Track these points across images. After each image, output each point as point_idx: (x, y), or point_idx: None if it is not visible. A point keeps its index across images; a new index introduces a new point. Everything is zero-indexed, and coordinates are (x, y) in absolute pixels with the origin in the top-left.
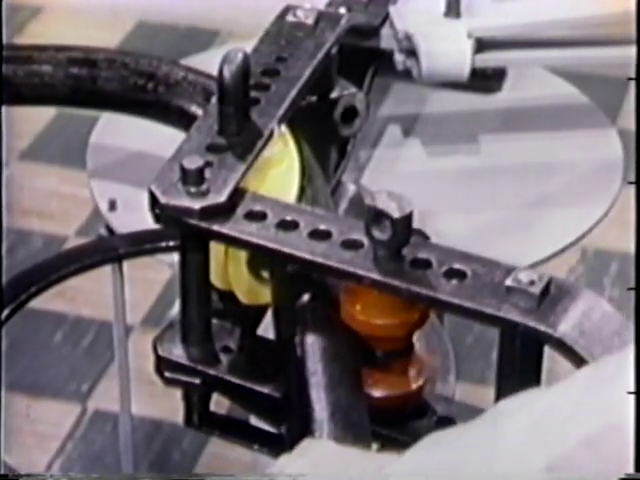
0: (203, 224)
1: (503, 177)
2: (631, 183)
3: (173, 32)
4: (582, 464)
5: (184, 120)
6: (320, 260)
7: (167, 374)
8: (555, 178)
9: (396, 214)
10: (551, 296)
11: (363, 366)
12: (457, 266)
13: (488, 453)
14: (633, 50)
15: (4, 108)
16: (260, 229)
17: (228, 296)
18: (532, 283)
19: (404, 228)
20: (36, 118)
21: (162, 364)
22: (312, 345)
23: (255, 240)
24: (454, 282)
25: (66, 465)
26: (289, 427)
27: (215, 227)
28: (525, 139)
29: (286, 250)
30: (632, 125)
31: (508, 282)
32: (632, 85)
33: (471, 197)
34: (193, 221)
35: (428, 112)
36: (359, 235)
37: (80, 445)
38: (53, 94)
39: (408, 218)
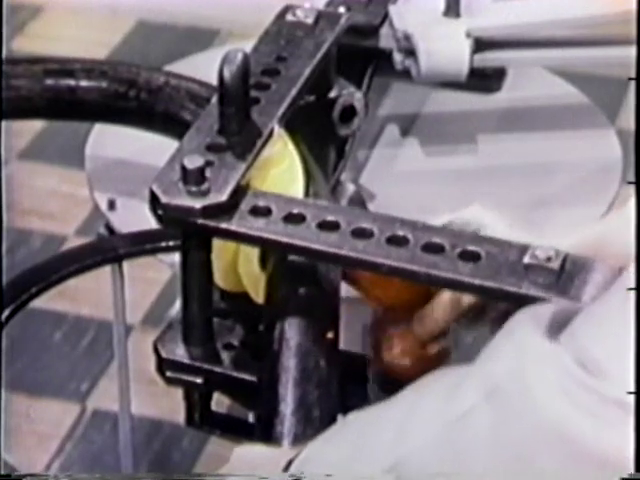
0: (209, 222)
1: (502, 177)
2: (630, 183)
3: (173, 31)
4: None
5: (170, 126)
6: (333, 250)
7: (169, 373)
8: (555, 178)
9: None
10: (568, 271)
11: (344, 375)
12: (470, 248)
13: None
14: (633, 50)
15: None
16: (268, 224)
17: (231, 295)
18: (549, 259)
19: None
20: None
21: (164, 364)
22: (288, 341)
23: (265, 235)
24: (470, 264)
25: (65, 464)
26: (258, 417)
27: (223, 225)
28: (525, 139)
29: (298, 243)
30: (631, 125)
31: (526, 260)
32: (632, 85)
33: (470, 197)
34: (199, 220)
35: (427, 112)
36: (368, 224)
37: (80, 445)
38: (31, 107)
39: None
